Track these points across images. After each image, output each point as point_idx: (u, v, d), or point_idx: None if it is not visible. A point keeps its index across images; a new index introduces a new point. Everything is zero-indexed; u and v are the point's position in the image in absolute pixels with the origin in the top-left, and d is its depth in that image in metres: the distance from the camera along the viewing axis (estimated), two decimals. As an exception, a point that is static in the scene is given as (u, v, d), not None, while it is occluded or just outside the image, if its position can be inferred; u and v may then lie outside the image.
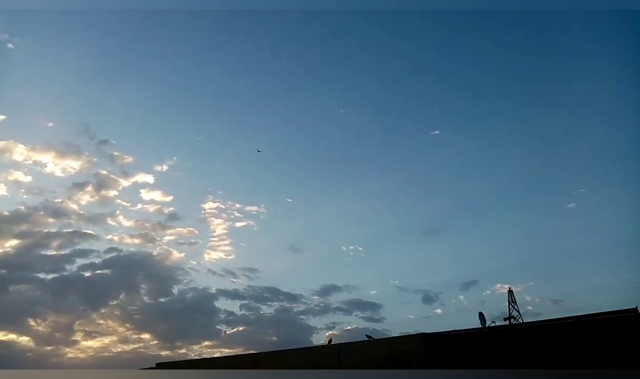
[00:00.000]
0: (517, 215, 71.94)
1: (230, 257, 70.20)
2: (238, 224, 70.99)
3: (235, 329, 61.23)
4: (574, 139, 67.70)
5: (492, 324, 17.04)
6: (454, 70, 75.69)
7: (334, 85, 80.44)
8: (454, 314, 61.62)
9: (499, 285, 60.56)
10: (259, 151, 68.03)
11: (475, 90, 75.68)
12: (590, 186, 64.59)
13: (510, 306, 26.17)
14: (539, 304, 60.49)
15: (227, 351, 53.04)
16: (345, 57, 78.71)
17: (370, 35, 74.03)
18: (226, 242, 69.56)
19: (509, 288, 35.35)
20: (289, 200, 78.85)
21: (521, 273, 67.83)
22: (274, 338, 58.26)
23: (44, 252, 60.22)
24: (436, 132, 73.71)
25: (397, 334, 22.61)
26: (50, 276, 58.40)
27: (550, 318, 13.78)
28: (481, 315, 17.35)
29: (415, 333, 15.12)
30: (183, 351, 57.63)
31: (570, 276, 64.69)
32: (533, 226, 69.49)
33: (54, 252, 60.27)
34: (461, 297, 65.79)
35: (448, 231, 74.35)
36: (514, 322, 21.59)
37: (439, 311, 63.32)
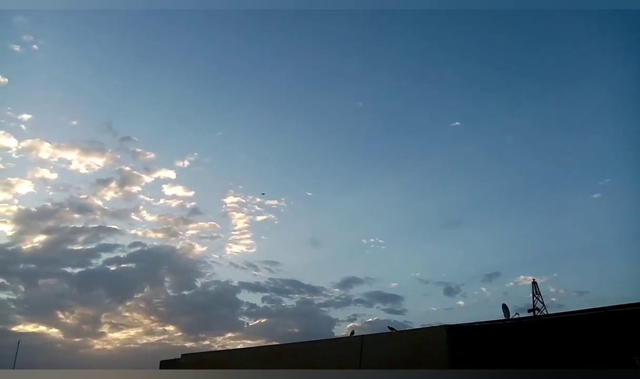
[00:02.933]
0: (540, 206, 70.88)
1: (251, 250, 70.96)
2: (259, 218, 71.65)
3: (257, 321, 62.02)
4: (598, 128, 66.26)
5: (516, 316, 16.86)
6: (475, 61, 74.64)
7: (352, 78, 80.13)
8: (476, 306, 61.19)
9: (522, 277, 59.84)
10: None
11: (496, 81, 74.54)
12: (616, 175, 63.16)
13: (535, 298, 25.92)
14: (564, 295, 59.60)
15: (249, 343, 53.82)
16: (363, 50, 78.25)
17: (388, 27, 73.41)
18: (247, 235, 70.31)
19: (533, 280, 34.82)
20: (309, 194, 79.21)
21: (545, 264, 66.98)
22: (296, 330, 58.84)
23: (70, 247, 61.86)
24: (457, 123, 72.89)
25: (418, 326, 22.58)
26: (77, 270, 60.00)
27: (576, 310, 13.56)
28: (505, 307, 17.18)
29: (438, 324, 15.10)
30: (207, 342, 58.65)
31: (596, 267, 63.50)
32: (557, 216, 68.38)
33: (80, 247, 61.85)
34: (483, 289, 65.21)
35: (470, 222, 73.74)
36: (539, 313, 21.34)
37: (461, 303, 62.91)
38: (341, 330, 60.39)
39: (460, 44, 75.48)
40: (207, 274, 65.91)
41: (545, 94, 70.77)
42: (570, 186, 69.78)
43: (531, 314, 20.10)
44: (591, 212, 65.96)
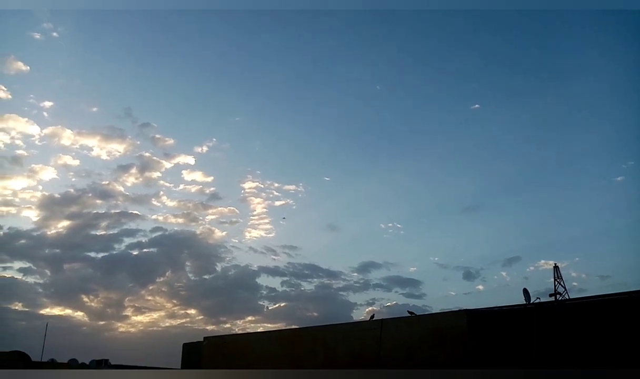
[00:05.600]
0: (562, 189, 69.80)
1: (270, 235, 71.84)
2: (277, 203, 72.34)
3: (277, 305, 62.96)
4: (621, 110, 64.47)
5: (537, 301, 16.71)
6: (494, 44, 73.04)
7: (369, 61, 79.32)
8: (496, 290, 60.96)
9: (542, 261, 59.33)
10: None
11: (516, 63, 72.87)
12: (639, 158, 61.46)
13: (556, 282, 25.54)
14: (586, 280, 58.90)
15: (269, 326, 54.64)
16: (380, 33, 77.22)
17: (405, 10, 72.17)
18: (266, 220, 71.11)
19: (555, 264, 34.29)
20: (327, 179, 79.46)
21: (566, 249, 66.21)
22: (315, 314, 59.55)
23: (93, 232, 63.47)
24: (476, 106, 71.77)
25: (438, 311, 22.58)
26: (100, 255, 61.67)
27: (598, 294, 13.39)
28: (525, 291, 17.02)
29: (457, 309, 15.08)
30: (228, 325, 59.89)
31: (618, 251, 62.37)
32: (579, 200, 67.40)
33: (103, 232, 63.40)
34: (503, 273, 64.82)
35: (489, 207, 73.24)
36: (560, 298, 21.09)
37: (480, 287, 62.73)
38: (360, 314, 60.95)
39: (479, 25, 73.93)
40: (227, 258, 67.05)
41: (568, 77, 69.14)
42: (592, 168, 68.58)
43: (552, 298, 19.82)
44: (614, 195, 64.76)
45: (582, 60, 67.90)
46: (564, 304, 14.53)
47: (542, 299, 17.39)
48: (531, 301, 16.62)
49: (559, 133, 70.63)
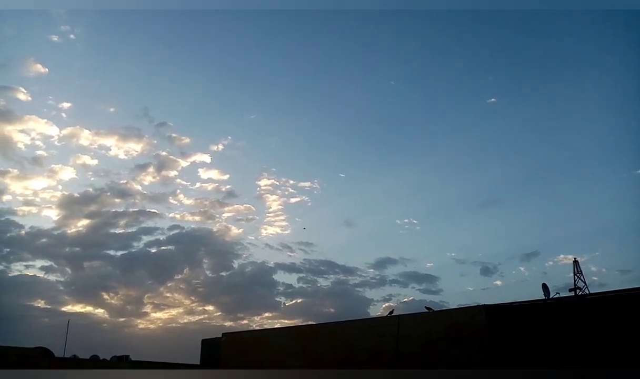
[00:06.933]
0: (581, 183, 68.45)
1: (286, 232, 71.74)
2: (292, 200, 72.22)
3: (294, 301, 63.11)
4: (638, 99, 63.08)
5: (557, 296, 16.53)
6: (510, 37, 71.93)
7: (383, 56, 78.83)
8: (514, 286, 60.09)
9: (562, 256, 58.29)
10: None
11: (533, 56, 71.63)
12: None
13: (576, 277, 25.21)
14: (606, 274, 57.76)
15: (287, 322, 54.84)
16: (393, 27, 76.67)
17: (419, 9, 71.51)
18: (282, 217, 71.04)
19: (575, 258, 33.89)
20: (342, 175, 79.10)
21: (586, 243, 64.84)
22: (332, 310, 59.56)
23: (112, 230, 64.12)
24: (493, 100, 70.79)
25: (455, 307, 22.46)
26: (119, 253, 62.28)
27: (619, 289, 13.16)
28: (545, 286, 16.82)
29: (474, 304, 15.00)
30: (245, 322, 60.22)
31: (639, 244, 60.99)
32: (598, 193, 65.96)
33: (121, 231, 64.03)
34: (522, 268, 63.86)
35: (507, 201, 72.01)
36: (580, 293, 20.83)
37: (498, 283, 61.94)
38: (376, 310, 60.76)
39: (496, 16, 72.92)
40: (244, 255, 67.18)
41: (586, 69, 67.76)
42: (612, 161, 66.87)
43: (572, 293, 19.57)
44: (634, 188, 63.26)
45: (601, 53, 66.47)
46: (584, 299, 14.35)
47: (562, 294, 17.18)
48: (550, 296, 16.44)
49: (578, 126, 69.03)
